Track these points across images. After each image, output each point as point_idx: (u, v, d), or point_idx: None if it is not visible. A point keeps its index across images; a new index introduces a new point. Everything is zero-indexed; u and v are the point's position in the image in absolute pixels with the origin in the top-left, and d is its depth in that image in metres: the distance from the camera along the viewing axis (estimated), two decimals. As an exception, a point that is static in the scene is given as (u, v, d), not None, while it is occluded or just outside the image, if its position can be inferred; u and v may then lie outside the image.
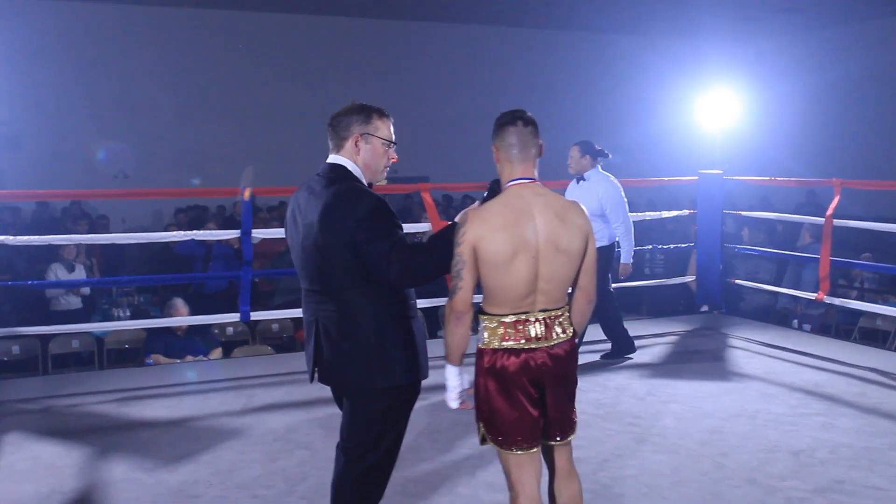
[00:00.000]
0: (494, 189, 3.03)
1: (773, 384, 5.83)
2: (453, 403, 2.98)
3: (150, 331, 7.25)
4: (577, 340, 3.02)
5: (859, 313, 8.04)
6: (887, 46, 14.57)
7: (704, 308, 8.08)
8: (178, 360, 6.87)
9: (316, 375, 3.11)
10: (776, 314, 8.81)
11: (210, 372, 6.38)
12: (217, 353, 7.20)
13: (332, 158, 3.09)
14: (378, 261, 2.87)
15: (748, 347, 6.95)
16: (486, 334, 2.89)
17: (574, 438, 3.00)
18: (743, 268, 8.47)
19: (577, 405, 3.01)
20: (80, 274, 8.39)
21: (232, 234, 6.94)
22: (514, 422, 2.85)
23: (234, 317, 6.62)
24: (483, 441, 2.95)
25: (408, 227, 5.87)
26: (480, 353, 2.90)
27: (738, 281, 8.10)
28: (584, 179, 6.38)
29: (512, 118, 2.91)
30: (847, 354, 6.62)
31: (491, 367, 2.86)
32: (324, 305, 3.02)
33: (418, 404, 3.21)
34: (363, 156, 3.07)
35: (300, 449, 4.66)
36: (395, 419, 3.09)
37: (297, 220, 3.08)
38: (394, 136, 3.15)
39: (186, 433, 4.98)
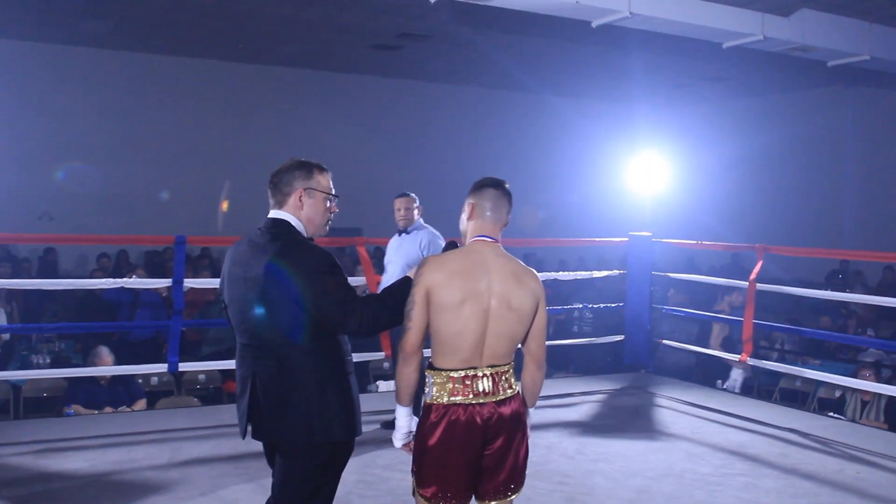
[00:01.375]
0: (448, 249, 3.14)
1: (698, 444, 5.94)
2: (398, 443, 3.03)
3: (71, 379, 7.03)
4: (530, 406, 3.10)
5: (780, 375, 8.27)
6: (807, 117, 15.26)
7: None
8: (99, 411, 6.67)
9: (249, 431, 3.07)
10: (693, 373, 9.00)
11: (134, 423, 6.21)
12: (141, 404, 7.02)
13: (274, 213, 3.10)
14: (333, 313, 2.90)
15: (675, 407, 7.08)
16: (434, 389, 2.93)
17: (514, 499, 3.01)
18: (666, 328, 8.65)
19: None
20: (-1, 318, 8.14)
21: (163, 282, 6.83)
22: (448, 478, 2.88)
23: (161, 367, 6.49)
24: (413, 493, 2.99)
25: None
26: (427, 409, 2.94)
27: (665, 341, 8.26)
28: (407, 233, 6.20)
29: (494, 182, 3.10)
30: (769, 415, 6.79)
31: (437, 421, 2.89)
32: (262, 360, 3.00)
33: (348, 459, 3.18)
34: (306, 210, 3.09)
35: (227, 505, 4.56)
36: (330, 475, 3.07)
37: (236, 274, 3.07)
38: (333, 189, 3.19)
39: (109, 487, 4.83)
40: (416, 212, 6.22)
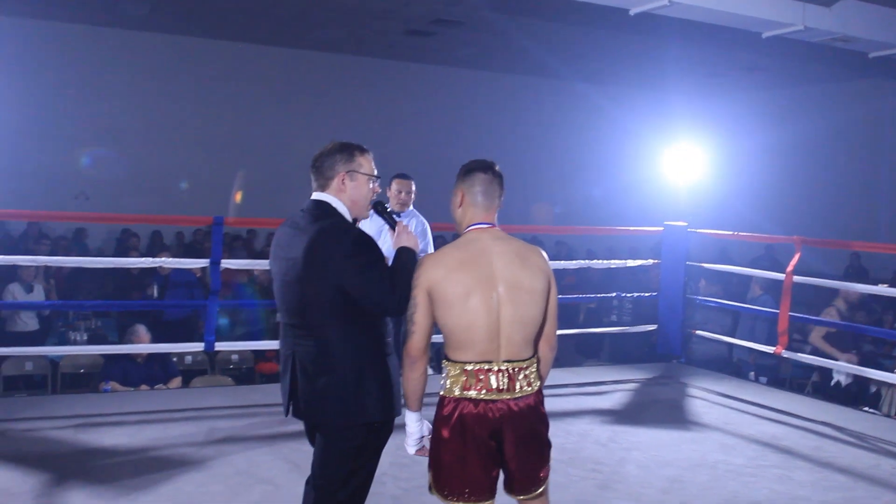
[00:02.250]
0: (378, 209, 3.24)
1: (731, 435, 5.90)
2: (411, 449, 2.99)
3: (108, 356, 7.13)
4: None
5: (812, 368, 8.19)
6: (845, 108, 15.07)
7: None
8: (135, 388, 6.76)
9: (291, 409, 3.11)
10: (729, 364, 8.94)
11: (170, 401, 6.28)
12: (176, 382, 7.10)
13: (317, 196, 3.13)
14: (373, 290, 2.92)
15: (707, 397, 7.04)
16: (448, 382, 2.87)
17: (543, 493, 2.97)
18: (698, 319, 8.60)
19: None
20: (39, 294, 8.25)
21: (200, 262, 6.88)
22: (462, 474, 2.82)
23: (198, 346, 6.55)
24: (430, 490, 2.93)
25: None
26: (441, 401, 2.89)
27: (698, 332, 8.22)
28: (399, 216, 5.96)
29: (482, 166, 2.99)
30: (802, 408, 6.74)
31: (449, 415, 2.84)
32: (302, 340, 3.03)
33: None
34: (350, 193, 3.11)
35: (262, 484, 4.60)
36: (368, 457, 3.09)
37: (278, 254, 3.11)
38: (375, 171, 3.20)
39: (146, 463, 4.89)
40: (413, 196, 6.06)
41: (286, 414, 3.12)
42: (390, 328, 3.19)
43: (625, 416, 6.38)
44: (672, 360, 8.19)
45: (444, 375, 2.89)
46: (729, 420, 6.32)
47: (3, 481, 4.51)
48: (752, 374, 8.59)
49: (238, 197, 5.60)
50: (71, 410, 5.89)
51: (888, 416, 7.17)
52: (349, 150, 3.14)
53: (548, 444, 2.95)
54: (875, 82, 14.67)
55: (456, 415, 2.81)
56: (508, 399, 2.81)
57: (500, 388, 2.80)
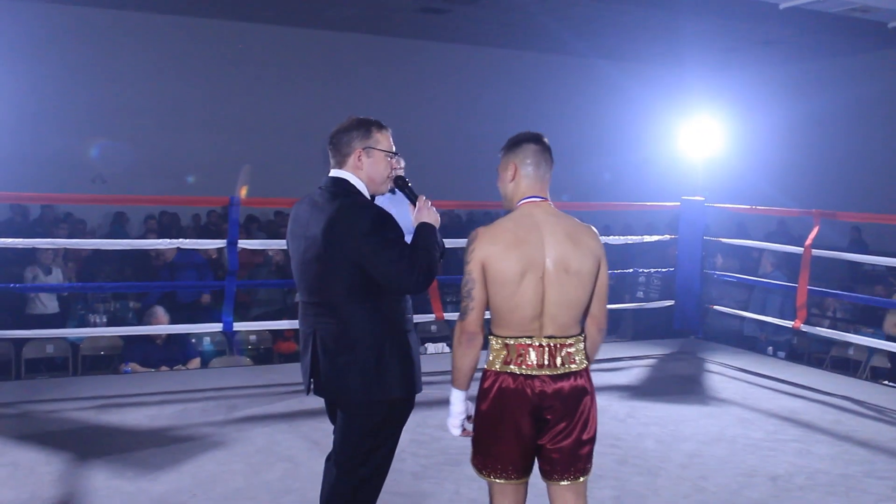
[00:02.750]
0: (399, 184, 3.20)
1: (750, 409, 5.90)
2: (455, 430, 2.90)
3: (127, 338, 7.19)
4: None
5: (831, 342, 8.17)
6: (863, 81, 14.87)
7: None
8: (155, 369, 6.82)
9: (312, 387, 3.12)
10: (744, 339, 8.93)
11: (190, 382, 6.34)
12: (195, 363, 7.16)
13: (335, 172, 3.12)
14: (391, 269, 2.90)
15: (725, 372, 7.03)
16: (491, 355, 2.83)
17: (582, 485, 2.87)
18: (714, 294, 8.59)
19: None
20: (57, 277, 8.32)
21: (217, 243, 6.91)
22: (500, 449, 2.78)
23: (216, 327, 6.59)
24: (473, 463, 2.91)
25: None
26: (484, 374, 2.85)
27: (716, 307, 8.19)
28: (392, 192, 5.89)
29: (533, 136, 2.90)
30: (821, 382, 6.72)
31: (488, 388, 2.81)
32: (322, 318, 3.04)
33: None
34: (367, 169, 3.10)
35: (283, 462, 4.64)
36: (389, 434, 3.10)
37: (297, 233, 3.11)
38: (394, 147, 3.19)
39: (167, 442, 4.94)
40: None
41: (307, 392, 3.13)
42: (410, 305, 3.19)
43: (643, 391, 6.38)
44: (690, 336, 8.18)
45: (489, 349, 2.85)
46: (747, 395, 6.32)
47: (28, 460, 4.58)
48: (770, 348, 8.57)
49: (243, 192, 5.59)
50: (92, 392, 5.96)
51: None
52: (366, 126, 3.13)
53: (591, 429, 2.85)
54: (894, 53, 14.48)
55: (495, 388, 2.78)
56: (548, 375, 2.76)
57: (541, 363, 2.75)
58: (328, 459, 3.16)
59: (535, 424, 2.78)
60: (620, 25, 13.67)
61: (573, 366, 2.80)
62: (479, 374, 2.90)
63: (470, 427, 2.90)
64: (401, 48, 15.61)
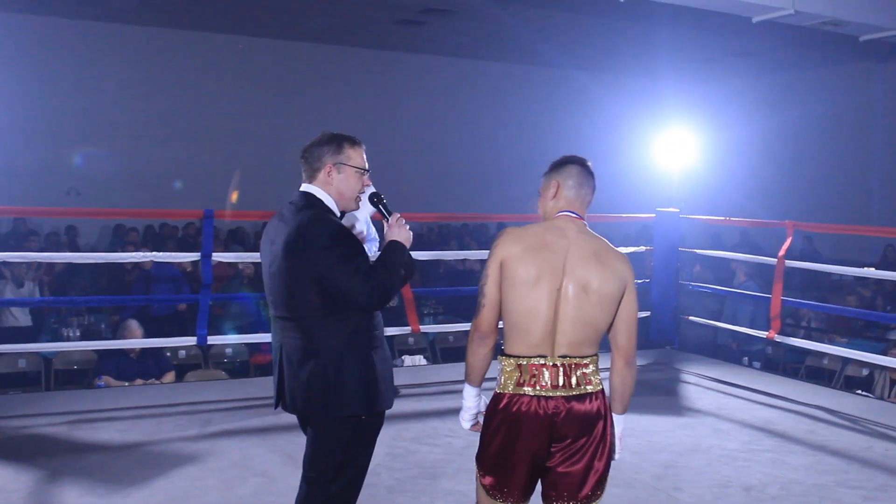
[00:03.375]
0: (373, 200, 3.24)
1: (725, 420, 5.92)
2: (466, 424, 2.88)
3: (101, 352, 7.12)
4: (619, 412, 2.84)
5: (806, 352, 8.22)
6: (837, 93, 15.07)
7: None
8: (129, 383, 6.76)
9: (280, 402, 3.11)
10: (720, 350, 8.98)
11: (163, 396, 6.28)
12: (170, 376, 7.10)
13: (305, 187, 3.12)
14: (345, 286, 2.90)
15: (700, 383, 7.06)
16: (503, 378, 2.74)
17: None
18: (688, 304, 8.64)
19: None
20: (30, 290, 8.24)
21: (191, 256, 6.87)
22: (512, 473, 2.71)
23: (190, 340, 6.54)
24: (476, 479, 2.83)
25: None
26: (495, 398, 2.77)
27: (691, 317, 8.23)
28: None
29: (578, 159, 2.93)
30: (795, 392, 6.76)
31: (502, 410, 2.72)
32: (288, 332, 3.04)
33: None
34: (336, 185, 3.09)
35: (257, 476, 4.61)
36: (359, 450, 3.09)
37: (265, 247, 3.12)
38: (366, 164, 3.18)
39: (140, 458, 4.89)
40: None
41: (275, 407, 3.12)
42: (380, 321, 3.17)
43: (618, 402, 6.38)
44: (665, 347, 8.21)
45: (499, 372, 2.77)
46: (723, 405, 6.35)
47: (-3, 479, 4.51)
48: (746, 359, 8.62)
49: (234, 197, 5.56)
50: (65, 407, 5.88)
51: (881, 398, 7.21)
52: (338, 142, 3.12)
53: (605, 455, 2.75)
54: (866, 66, 14.68)
55: (510, 411, 2.69)
56: (562, 396, 2.68)
57: (555, 384, 2.67)
58: (302, 475, 3.14)
59: (548, 446, 2.70)
60: (596, 36, 13.78)
61: (589, 387, 2.72)
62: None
63: (480, 421, 2.85)
64: (378, 60, 15.66)
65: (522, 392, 2.69)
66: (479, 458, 2.79)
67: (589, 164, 2.95)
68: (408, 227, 3.16)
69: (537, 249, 2.71)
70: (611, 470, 4.74)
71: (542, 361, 2.69)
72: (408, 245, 3.12)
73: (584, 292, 2.68)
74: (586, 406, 2.70)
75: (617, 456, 2.85)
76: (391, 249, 3.07)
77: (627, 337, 2.79)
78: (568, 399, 2.68)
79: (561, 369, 2.68)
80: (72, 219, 12.80)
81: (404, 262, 3.08)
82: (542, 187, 2.94)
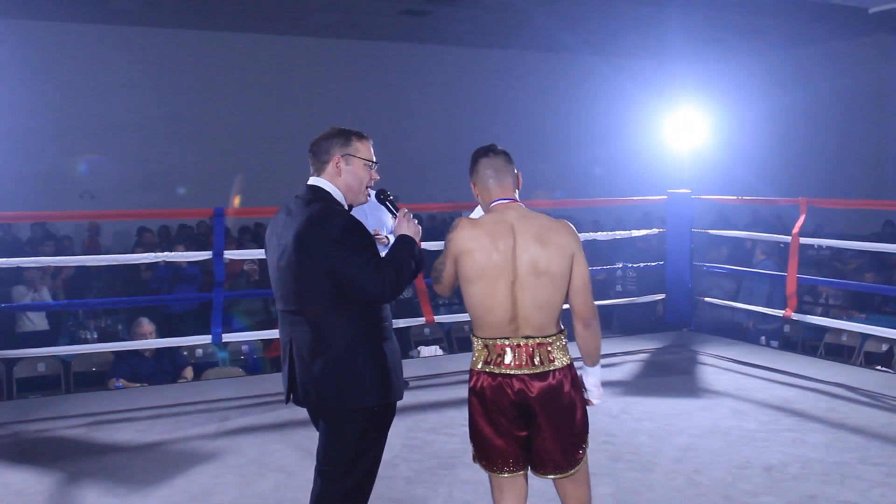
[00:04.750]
0: (381, 198, 3.27)
1: (743, 400, 5.89)
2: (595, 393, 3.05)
3: (117, 353, 7.14)
4: (591, 365, 3.01)
5: (824, 329, 8.16)
6: (848, 68, 14.91)
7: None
8: (147, 384, 6.78)
9: (291, 397, 3.10)
10: (736, 329, 8.94)
11: (181, 395, 6.31)
12: (188, 372, 7.12)
13: (312, 181, 3.10)
14: (357, 278, 2.88)
15: (718, 364, 7.03)
16: (473, 355, 2.96)
17: (578, 474, 2.96)
18: (704, 285, 8.60)
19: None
20: (44, 295, 8.28)
21: (203, 255, 6.88)
22: (490, 444, 2.90)
23: (205, 338, 6.56)
24: (474, 459, 3.02)
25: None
26: (469, 373, 2.96)
27: (706, 298, 8.19)
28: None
29: (483, 151, 3.05)
30: (814, 370, 6.72)
31: (473, 387, 2.92)
32: (298, 326, 3.02)
33: (393, 424, 3.20)
34: (345, 177, 3.08)
35: (275, 472, 4.63)
36: (372, 442, 3.07)
37: (272, 241, 3.10)
38: (374, 157, 3.17)
39: (159, 458, 4.92)
40: None
41: (286, 401, 3.11)
42: (388, 312, 3.17)
43: (635, 387, 6.37)
44: (682, 329, 8.17)
45: (472, 350, 2.98)
46: (740, 385, 6.31)
47: (19, 482, 4.54)
48: (763, 338, 8.57)
49: (236, 202, 5.56)
50: (83, 409, 5.92)
51: (901, 373, 7.15)
52: (346, 135, 3.12)
53: (580, 423, 2.93)
54: (876, 39, 14.50)
55: (478, 387, 2.89)
56: (527, 374, 2.83)
57: (518, 363, 2.83)
58: (315, 469, 3.13)
59: (520, 422, 2.87)
60: (604, 19, 13.69)
61: (552, 364, 2.86)
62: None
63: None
64: (384, 52, 15.63)
65: (489, 370, 2.88)
66: (471, 437, 3.00)
67: (498, 148, 3.05)
68: (415, 221, 3.15)
69: (488, 244, 2.85)
70: (630, 455, 4.77)
71: (506, 342, 2.85)
72: (417, 238, 3.11)
73: (536, 277, 2.82)
74: (549, 382, 2.85)
75: (596, 401, 3.03)
76: (400, 244, 3.06)
77: (583, 301, 2.92)
78: (532, 377, 2.83)
79: (524, 349, 2.84)
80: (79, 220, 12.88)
81: (414, 256, 3.06)
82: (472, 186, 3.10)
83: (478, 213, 3.15)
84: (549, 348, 2.86)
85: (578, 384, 2.97)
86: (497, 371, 2.85)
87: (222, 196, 12.49)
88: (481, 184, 3.01)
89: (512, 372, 2.83)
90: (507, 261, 2.82)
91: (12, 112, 12.46)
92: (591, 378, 3.02)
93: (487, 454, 2.92)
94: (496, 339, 2.86)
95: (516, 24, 14.07)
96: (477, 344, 2.93)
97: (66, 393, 7.27)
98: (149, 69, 13.89)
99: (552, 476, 2.92)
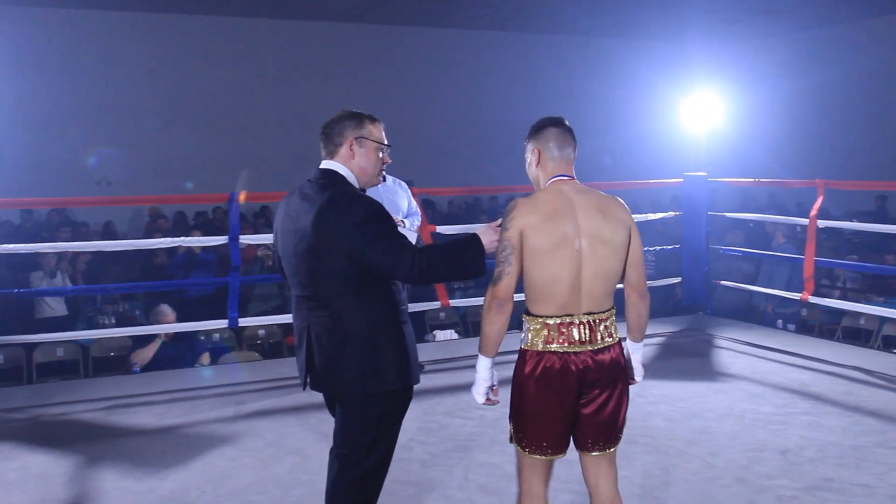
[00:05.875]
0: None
1: (759, 384, 5.88)
2: (480, 398, 2.94)
3: (135, 338, 7.20)
4: (638, 341, 3.05)
5: (842, 313, 8.11)
6: (864, 49, 14.73)
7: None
8: (166, 369, 6.82)
9: (308, 382, 3.11)
10: (753, 313, 8.89)
11: (198, 379, 6.36)
12: (205, 358, 7.17)
13: (325, 164, 3.09)
14: (385, 259, 2.87)
15: (734, 347, 7.01)
16: (529, 335, 2.87)
17: (615, 451, 2.96)
18: (720, 268, 8.55)
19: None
20: (61, 281, 8.35)
21: (219, 240, 6.90)
22: (544, 428, 2.85)
23: (221, 323, 6.60)
24: (511, 440, 2.96)
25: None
26: (523, 354, 2.89)
27: (723, 282, 8.15)
28: (384, 180, 5.18)
29: (553, 120, 2.99)
30: (831, 353, 6.69)
31: (533, 369, 2.84)
32: (316, 312, 3.01)
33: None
34: (358, 160, 3.07)
35: (292, 455, 4.66)
36: (389, 425, 3.09)
37: (287, 226, 3.07)
38: (386, 140, 3.16)
39: (176, 441, 4.96)
40: None
41: (304, 388, 3.12)
42: (405, 296, 3.17)
43: (651, 369, 6.26)
44: (698, 312, 8.14)
45: (524, 330, 2.90)
46: (756, 369, 6.29)
47: (39, 466, 4.60)
48: (780, 321, 8.53)
49: (243, 197, 5.60)
50: (102, 393, 5.99)
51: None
52: (358, 117, 3.11)
53: (627, 399, 2.96)
54: (894, 20, 14.32)
55: (540, 368, 2.82)
56: (590, 350, 2.83)
57: (583, 339, 2.82)
58: (331, 453, 3.15)
59: (578, 398, 2.85)
60: (622, 1, 13.57)
61: (609, 339, 2.88)
62: (509, 356, 2.90)
63: (494, 397, 2.95)
64: (399, 36, 15.58)
65: (551, 349, 2.82)
66: (516, 417, 2.91)
67: (566, 122, 3.00)
68: (497, 237, 2.97)
69: (551, 217, 2.81)
70: (645, 438, 4.78)
71: (569, 320, 2.82)
72: (487, 249, 3.02)
73: (601, 246, 2.82)
74: (609, 356, 2.86)
75: (639, 378, 3.07)
76: (467, 242, 3.01)
77: (638, 274, 2.95)
78: (595, 352, 2.83)
79: (587, 325, 2.82)
80: (105, 211, 12.94)
81: (468, 257, 2.99)
82: (526, 153, 3.03)
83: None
84: (607, 323, 2.87)
85: (626, 360, 3.00)
86: (562, 350, 2.81)
87: (237, 182, 12.53)
88: (546, 154, 2.95)
89: (578, 349, 2.81)
90: (572, 230, 2.80)
91: (31, 100, 12.56)
92: (637, 354, 3.06)
93: (543, 437, 2.85)
94: (561, 316, 2.82)
95: (533, 7, 13.99)
96: (534, 323, 2.85)
97: (85, 377, 7.34)
98: (165, 56, 13.92)
99: (597, 453, 2.91)
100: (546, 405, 2.82)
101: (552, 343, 2.82)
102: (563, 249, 2.78)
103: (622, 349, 2.95)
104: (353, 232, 2.87)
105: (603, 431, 2.89)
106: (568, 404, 2.83)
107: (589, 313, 2.83)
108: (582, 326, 2.82)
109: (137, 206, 13.59)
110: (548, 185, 2.94)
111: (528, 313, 2.89)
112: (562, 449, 2.89)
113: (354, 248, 2.87)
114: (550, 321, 2.82)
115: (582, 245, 2.80)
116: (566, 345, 2.81)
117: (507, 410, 2.95)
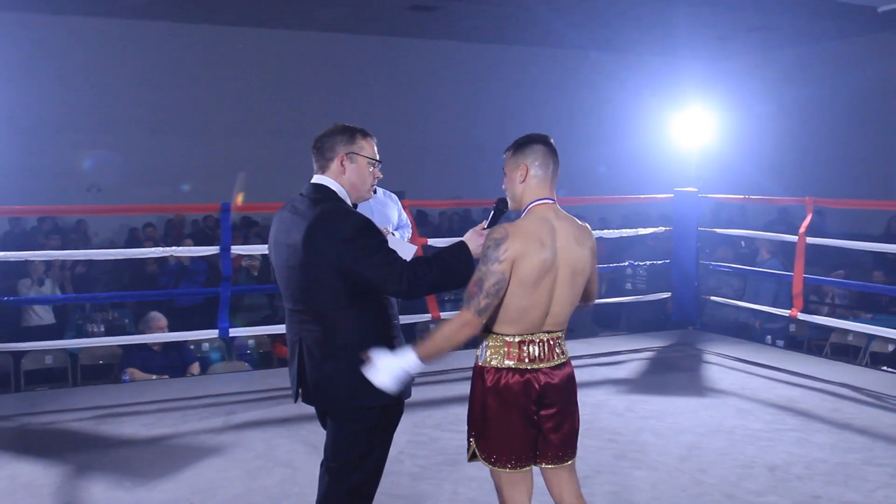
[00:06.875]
0: (501, 208, 3.09)
1: (748, 400, 5.90)
2: (393, 386, 2.83)
3: (125, 347, 7.18)
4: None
5: (830, 329, 8.16)
6: (855, 66, 14.85)
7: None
8: (155, 376, 6.81)
9: (300, 395, 3.12)
10: (742, 328, 8.93)
11: (188, 388, 6.34)
12: (195, 367, 7.15)
13: (317, 179, 3.10)
14: (375, 274, 2.87)
15: (723, 363, 7.03)
16: (487, 353, 2.90)
17: (573, 464, 3.03)
18: (710, 283, 8.58)
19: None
20: (50, 289, 8.32)
21: (210, 250, 6.90)
22: (510, 442, 2.87)
23: (212, 333, 6.58)
24: (472, 458, 2.96)
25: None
26: (481, 371, 2.91)
27: (712, 297, 8.18)
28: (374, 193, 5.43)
29: (541, 138, 2.96)
30: (820, 370, 6.72)
31: (493, 385, 2.87)
32: (307, 325, 3.02)
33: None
34: (349, 175, 3.08)
35: (281, 467, 4.65)
36: (380, 439, 3.09)
37: (280, 240, 3.08)
38: (377, 156, 3.17)
39: (165, 451, 4.94)
40: None
41: (295, 400, 3.12)
42: (396, 311, 3.17)
43: (641, 385, 6.38)
44: (688, 327, 8.17)
45: (482, 347, 2.92)
46: (746, 385, 6.32)
47: (26, 473, 4.57)
48: (769, 337, 8.56)
49: (239, 199, 5.58)
50: (90, 402, 5.95)
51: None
52: (350, 132, 3.12)
53: (578, 413, 3.04)
54: (884, 37, 14.43)
55: (500, 384, 2.85)
56: (546, 367, 2.88)
57: (542, 357, 2.87)
58: (322, 466, 3.15)
59: (538, 414, 2.89)
60: (613, 16, 13.65)
61: (562, 357, 2.95)
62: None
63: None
64: (392, 47, 15.60)
65: (509, 366, 2.86)
66: (480, 433, 2.92)
67: (552, 141, 2.98)
68: (483, 241, 2.95)
69: (539, 249, 2.81)
70: (634, 453, 4.79)
71: (529, 338, 2.87)
72: (475, 255, 3.00)
73: (574, 277, 2.89)
74: (565, 372, 2.95)
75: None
76: (453, 248, 3.02)
77: (594, 286, 3.10)
78: (552, 368, 2.90)
79: (546, 343, 2.89)
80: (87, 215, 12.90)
81: (458, 265, 2.98)
82: (508, 167, 2.99)
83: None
84: (561, 341, 2.95)
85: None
86: (522, 366, 2.85)
87: (228, 191, 12.51)
88: (531, 172, 2.90)
89: (539, 366, 2.87)
90: (554, 263, 2.82)
91: (21, 106, 12.47)
92: None
93: (510, 451, 2.87)
94: (524, 335, 2.86)
95: (525, 20, 14.05)
96: (494, 340, 2.87)
97: (74, 386, 7.31)
98: (156, 63, 13.89)
99: (554, 465, 2.95)
100: (509, 417, 2.85)
101: (512, 359, 2.86)
102: (545, 280, 2.82)
103: (572, 367, 3.01)
104: (342, 248, 2.88)
105: (561, 445, 2.94)
106: (529, 419, 2.87)
107: (548, 332, 2.90)
108: (541, 344, 2.88)
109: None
110: (532, 207, 2.91)
111: (490, 331, 2.89)
112: (529, 461, 2.91)
113: (343, 264, 2.88)
114: (511, 339, 2.87)
115: (559, 276, 2.84)
116: (526, 361, 2.86)
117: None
